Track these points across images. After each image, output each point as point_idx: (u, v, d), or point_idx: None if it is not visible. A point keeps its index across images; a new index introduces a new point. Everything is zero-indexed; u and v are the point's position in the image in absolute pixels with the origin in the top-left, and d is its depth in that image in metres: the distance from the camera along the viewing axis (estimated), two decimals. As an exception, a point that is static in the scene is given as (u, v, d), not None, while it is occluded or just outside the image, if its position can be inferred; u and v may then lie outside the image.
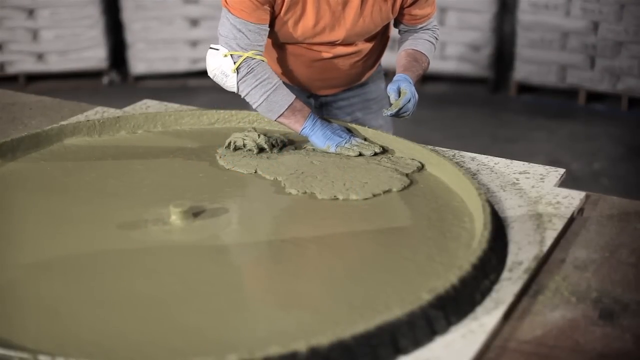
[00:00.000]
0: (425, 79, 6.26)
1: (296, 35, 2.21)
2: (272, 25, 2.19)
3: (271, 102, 2.15)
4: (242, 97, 2.19)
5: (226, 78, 2.14)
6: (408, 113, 2.15)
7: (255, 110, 2.22)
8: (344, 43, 2.27)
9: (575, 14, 5.66)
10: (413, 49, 2.31)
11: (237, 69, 2.13)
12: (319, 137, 2.15)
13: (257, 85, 2.14)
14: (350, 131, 2.22)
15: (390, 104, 2.14)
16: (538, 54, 5.86)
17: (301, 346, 1.28)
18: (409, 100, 2.12)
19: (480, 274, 1.52)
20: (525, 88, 6.07)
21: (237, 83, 2.15)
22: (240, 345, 1.37)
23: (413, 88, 2.15)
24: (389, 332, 1.35)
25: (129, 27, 6.28)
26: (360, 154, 2.12)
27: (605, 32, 5.61)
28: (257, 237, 1.80)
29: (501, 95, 6.14)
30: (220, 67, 2.14)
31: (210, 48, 2.17)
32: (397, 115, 2.13)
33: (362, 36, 2.27)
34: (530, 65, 5.92)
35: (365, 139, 2.20)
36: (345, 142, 2.14)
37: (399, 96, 2.13)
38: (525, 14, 5.81)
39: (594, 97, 5.87)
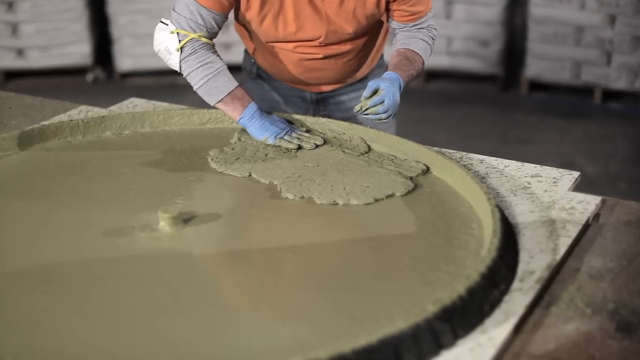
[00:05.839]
0: (431, 76, 6.28)
1: (278, 31, 2.25)
2: (252, 23, 2.24)
3: (211, 86, 2.20)
4: (183, 76, 2.23)
5: (169, 55, 2.20)
6: (380, 117, 2.12)
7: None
8: (330, 42, 2.28)
9: (590, 7, 5.67)
10: (406, 48, 2.32)
11: (181, 48, 2.18)
12: (256, 128, 2.19)
13: (198, 67, 2.19)
14: (291, 123, 2.27)
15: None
16: (551, 49, 5.87)
17: (298, 361, 1.29)
18: (382, 102, 2.11)
19: (490, 284, 1.52)
20: (537, 86, 6.08)
21: (180, 62, 2.20)
22: (233, 360, 1.37)
23: (394, 90, 2.13)
24: (392, 346, 1.35)
25: (115, 21, 6.29)
26: (300, 147, 2.16)
27: (622, 27, 5.62)
28: (252, 244, 1.80)
29: (511, 94, 6.15)
30: (165, 42, 2.20)
31: (161, 22, 2.22)
32: (366, 114, 2.13)
33: (347, 34, 2.28)
34: (543, 61, 5.93)
35: (307, 131, 2.24)
36: (285, 134, 2.18)
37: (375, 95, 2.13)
38: (537, 7, 5.83)
39: (610, 95, 5.88)
